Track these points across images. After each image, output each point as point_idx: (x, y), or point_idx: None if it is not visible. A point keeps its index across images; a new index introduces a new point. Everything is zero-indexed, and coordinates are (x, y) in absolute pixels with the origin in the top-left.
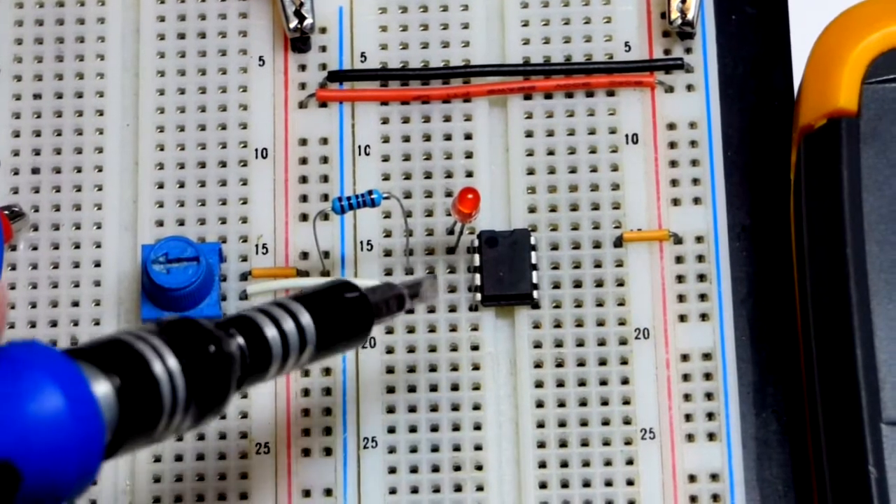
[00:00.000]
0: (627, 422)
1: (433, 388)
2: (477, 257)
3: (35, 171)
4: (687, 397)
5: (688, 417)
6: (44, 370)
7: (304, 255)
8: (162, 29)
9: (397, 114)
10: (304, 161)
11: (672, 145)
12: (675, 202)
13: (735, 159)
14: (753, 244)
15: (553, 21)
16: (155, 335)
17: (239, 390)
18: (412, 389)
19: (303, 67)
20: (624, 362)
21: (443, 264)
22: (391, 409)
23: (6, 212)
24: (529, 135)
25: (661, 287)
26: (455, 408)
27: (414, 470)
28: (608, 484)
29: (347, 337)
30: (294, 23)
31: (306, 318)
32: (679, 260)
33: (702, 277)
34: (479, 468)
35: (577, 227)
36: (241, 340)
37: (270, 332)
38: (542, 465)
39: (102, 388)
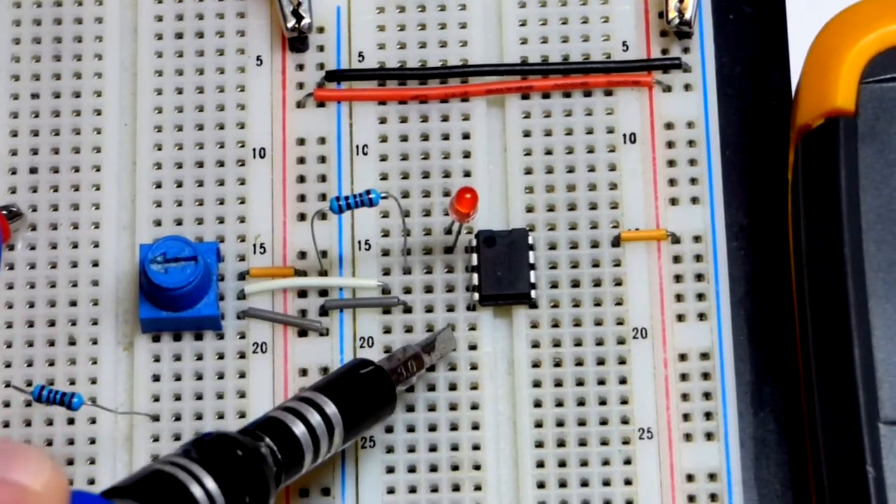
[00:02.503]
0: (625, 421)
1: (431, 388)
2: (475, 257)
3: (33, 170)
4: (685, 397)
5: (686, 417)
6: None
7: (302, 255)
8: (160, 28)
9: (395, 113)
10: (301, 160)
11: (670, 145)
12: (673, 202)
13: (733, 159)
14: (751, 244)
15: (551, 21)
16: (189, 458)
17: (279, 487)
18: (410, 389)
19: (300, 67)
20: (622, 362)
21: (440, 264)
22: None
23: (4, 211)
24: (527, 134)
25: (658, 286)
26: (453, 407)
27: (412, 469)
28: (606, 483)
29: (373, 412)
30: (292, 22)
31: (331, 408)
32: (677, 259)
33: (699, 277)
34: (477, 468)
35: (575, 226)
36: (269, 442)
37: (298, 429)
38: (540, 464)
39: None
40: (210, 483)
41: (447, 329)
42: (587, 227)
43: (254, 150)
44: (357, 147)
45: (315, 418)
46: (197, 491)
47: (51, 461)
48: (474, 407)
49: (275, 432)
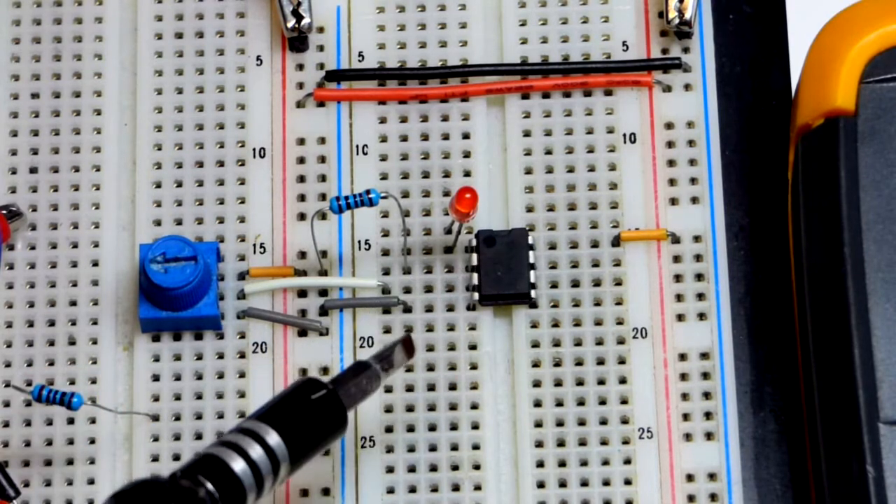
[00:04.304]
0: (625, 421)
1: (431, 388)
2: (475, 257)
3: (33, 170)
4: (685, 396)
5: (686, 417)
6: None
7: (302, 255)
8: (160, 28)
9: (395, 113)
10: (301, 160)
11: (670, 144)
12: (673, 201)
13: (733, 159)
14: (751, 243)
15: (551, 20)
16: None
17: None
18: (410, 389)
19: (300, 67)
20: (622, 361)
21: (440, 264)
22: (389, 409)
23: (4, 211)
24: (527, 134)
25: (658, 286)
26: (453, 407)
27: (412, 469)
28: (606, 483)
29: (322, 439)
30: (292, 22)
31: (274, 439)
32: (677, 259)
33: (699, 277)
34: (477, 467)
35: (575, 226)
36: (209, 486)
37: (238, 465)
38: (540, 464)
39: None
40: None
41: (407, 335)
42: (587, 227)
43: (254, 149)
44: (357, 147)
45: (257, 452)
46: None
47: None
48: (474, 407)
49: (212, 472)
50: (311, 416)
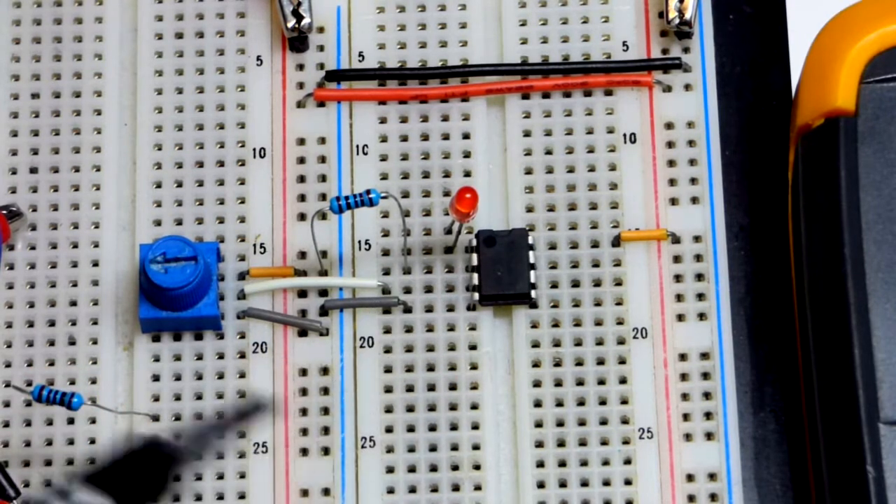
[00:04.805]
0: (625, 421)
1: (431, 388)
2: (475, 257)
3: (33, 170)
4: (685, 397)
5: (686, 417)
6: None
7: (302, 255)
8: (160, 28)
9: (395, 113)
10: (301, 160)
11: (670, 145)
12: (673, 201)
13: (733, 159)
14: (751, 244)
15: (551, 20)
16: None
17: None
18: (410, 389)
19: (301, 67)
20: (622, 362)
21: (441, 264)
22: (389, 409)
23: (4, 211)
24: (527, 134)
25: (658, 286)
26: (453, 407)
27: (412, 469)
28: (606, 483)
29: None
30: (292, 22)
31: None
32: (677, 259)
33: (700, 277)
34: (477, 468)
35: (575, 226)
36: None
37: None
38: (540, 464)
39: None
40: None
41: (259, 403)
42: (587, 227)
43: (254, 149)
44: (357, 147)
45: None
46: None
47: None
48: (474, 407)
49: None
50: (145, 481)
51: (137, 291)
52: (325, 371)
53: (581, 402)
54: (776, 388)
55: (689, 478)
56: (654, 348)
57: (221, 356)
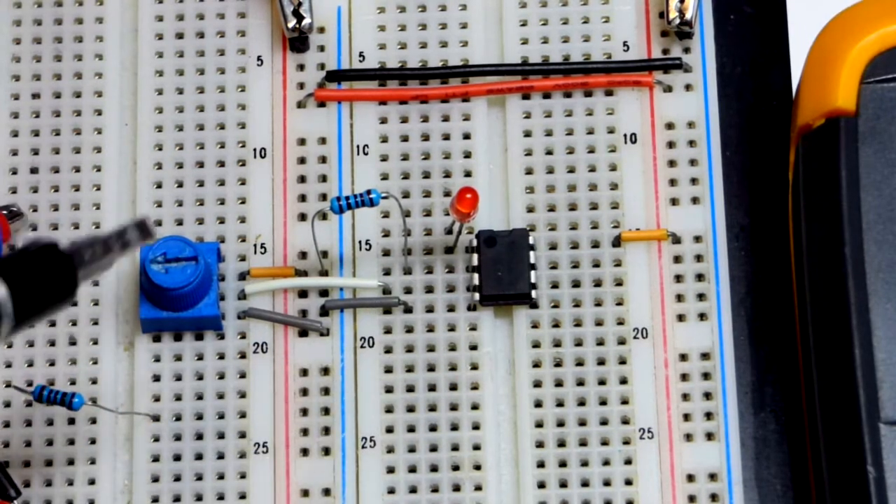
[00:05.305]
0: (626, 421)
1: (431, 388)
2: (475, 257)
3: (33, 170)
4: (685, 397)
5: (686, 417)
6: None
7: (303, 255)
8: (160, 28)
9: (396, 113)
10: (302, 161)
11: (670, 145)
12: (674, 202)
13: (733, 159)
14: (752, 244)
15: (551, 21)
16: None
17: None
18: (410, 389)
19: (301, 67)
20: (622, 362)
21: (441, 264)
22: (389, 409)
23: (4, 211)
24: (528, 134)
25: (659, 287)
26: (453, 407)
27: (412, 469)
28: (606, 483)
29: (50, 305)
30: (292, 22)
31: (2, 292)
32: (677, 259)
33: (700, 277)
34: (478, 468)
35: (576, 226)
36: None
37: None
38: (541, 464)
39: None
40: None
41: (140, 220)
42: (588, 227)
43: (254, 150)
44: (357, 147)
45: None
46: None
47: None
48: (475, 407)
49: None
50: (44, 279)
51: (138, 291)
52: (325, 371)
53: (581, 403)
54: (776, 389)
55: (690, 478)
56: (655, 348)
57: (222, 356)
